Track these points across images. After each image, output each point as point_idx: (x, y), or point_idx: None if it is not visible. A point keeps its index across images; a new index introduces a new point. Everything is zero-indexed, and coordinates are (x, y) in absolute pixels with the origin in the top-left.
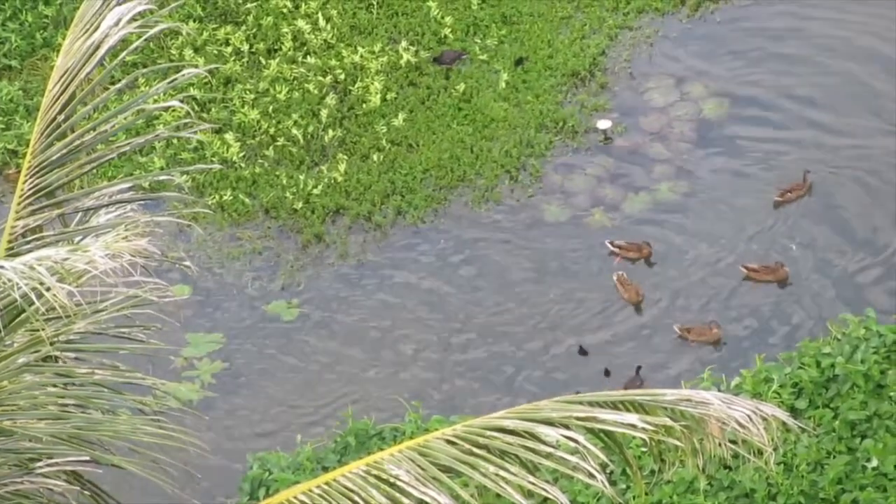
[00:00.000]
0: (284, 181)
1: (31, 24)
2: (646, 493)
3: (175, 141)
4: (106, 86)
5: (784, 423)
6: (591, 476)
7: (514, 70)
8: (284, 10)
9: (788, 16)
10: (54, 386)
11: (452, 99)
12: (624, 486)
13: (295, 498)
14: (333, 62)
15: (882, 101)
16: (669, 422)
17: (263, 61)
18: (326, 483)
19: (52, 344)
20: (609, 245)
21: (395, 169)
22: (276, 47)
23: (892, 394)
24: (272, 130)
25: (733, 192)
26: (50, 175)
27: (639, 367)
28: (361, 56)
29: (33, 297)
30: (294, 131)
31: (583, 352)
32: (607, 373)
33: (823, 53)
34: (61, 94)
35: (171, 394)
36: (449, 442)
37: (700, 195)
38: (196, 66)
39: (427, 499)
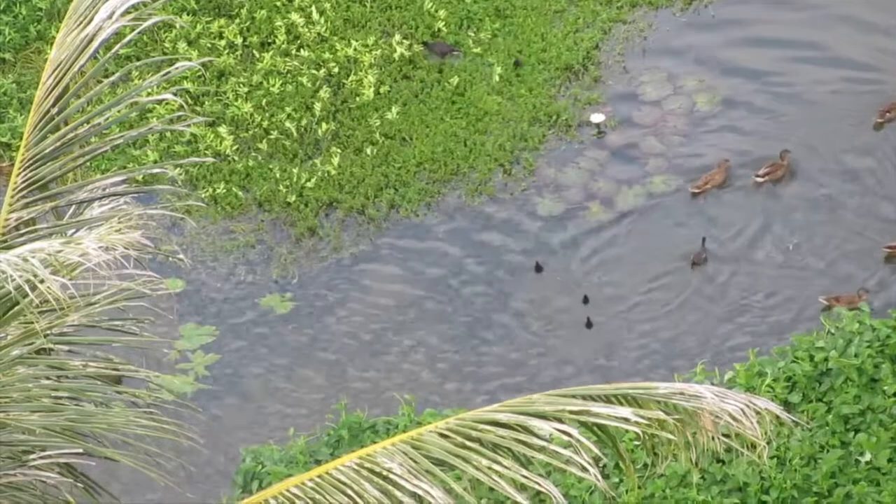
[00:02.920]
0: (278, 174)
1: (24, 16)
2: (639, 487)
3: (168, 134)
4: (99, 79)
5: (777, 417)
6: (584, 470)
7: (511, 68)
8: (278, 4)
9: (782, 8)
10: (48, 378)
11: (446, 92)
12: (617, 480)
13: (288, 491)
14: (327, 55)
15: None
16: (662, 415)
17: (257, 54)
18: (319, 476)
19: (45, 336)
20: (756, 178)
21: (388, 162)
22: (269, 40)
23: (885, 388)
24: (265, 123)
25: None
26: (43, 168)
27: (704, 239)
28: (355, 49)
29: (27, 289)
30: (287, 124)
31: (538, 268)
32: (586, 300)
33: (821, 45)
34: (55, 86)
35: (165, 386)
36: (442, 435)
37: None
38: (189, 60)
39: (420, 492)
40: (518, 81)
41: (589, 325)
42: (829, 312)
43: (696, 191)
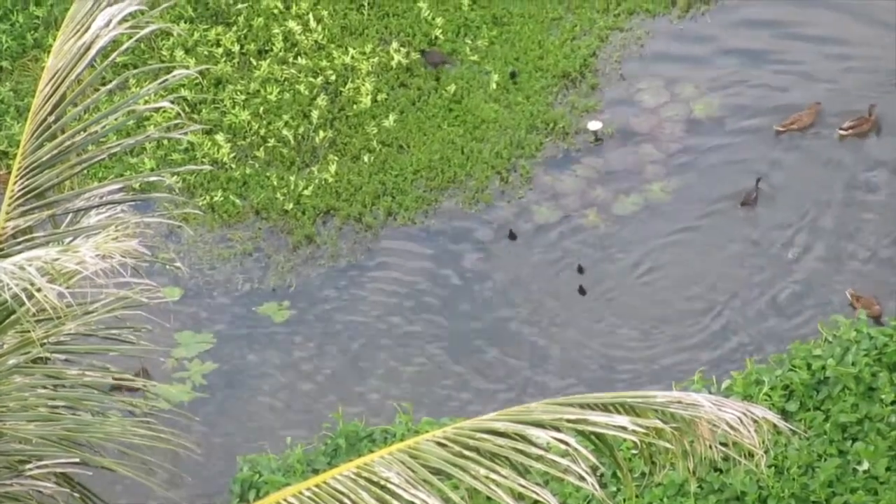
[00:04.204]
0: (275, 182)
1: (21, 24)
2: (636, 496)
3: (165, 142)
4: (97, 87)
5: (775, 426)
6: (582, 478)
7: (507, 79)
8: (275, 11)
9: (780, 14)
10: (44, 387)
11: (443, 100)
12: (614, 489)
13: (285, 500)
14: (324, 63)
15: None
16: (660, 424)
17: (254, 62)
18: (316, 485)
19: (42, 345)
20: (840, 131)
21: (385, 170)
22: (266, 48)
23: (883, 396)
24: (263, 131)
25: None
26: (40, 176)
27: (759, 179)
28: (352, 57)
29: (24, 297)
30: (285, 132)
31: (512, 236)
32: (581, 269)
33: (819, 51)
34: (52, 94)
35: (162, 395)
36: (439, 444)
37: None
38: (187, 67)
39: (417, 501)
40: (515, 89)
41: (582, 292)
42: (852, 311)
43: (781, 129)
